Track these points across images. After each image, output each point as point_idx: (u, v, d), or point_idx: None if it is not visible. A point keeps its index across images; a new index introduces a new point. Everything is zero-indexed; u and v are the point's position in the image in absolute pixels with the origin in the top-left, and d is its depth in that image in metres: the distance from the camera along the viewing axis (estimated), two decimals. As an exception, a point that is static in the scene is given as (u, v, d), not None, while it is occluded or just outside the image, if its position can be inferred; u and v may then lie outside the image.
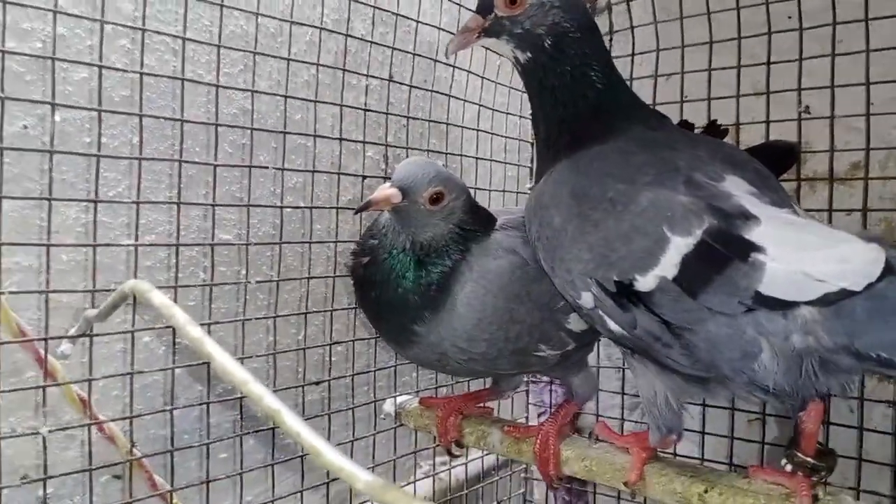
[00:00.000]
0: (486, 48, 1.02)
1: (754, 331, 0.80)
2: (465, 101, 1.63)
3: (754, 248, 0.78)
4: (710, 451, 1.48)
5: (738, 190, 0.85)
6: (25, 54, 1.03)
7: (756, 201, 0.84)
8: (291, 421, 0.65)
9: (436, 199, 1.00)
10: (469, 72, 1.63)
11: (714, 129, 1.24)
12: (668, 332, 0.84)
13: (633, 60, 1.59)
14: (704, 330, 0.81)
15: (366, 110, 1.43)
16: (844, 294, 0.75)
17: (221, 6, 1.19)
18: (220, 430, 1.24)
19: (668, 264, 0.81)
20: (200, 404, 1.19)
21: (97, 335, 1.06)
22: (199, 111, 1.22)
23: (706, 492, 0.92)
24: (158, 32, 1.16)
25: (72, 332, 1.04)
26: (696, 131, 1.23)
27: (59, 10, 1.03)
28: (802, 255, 0.78)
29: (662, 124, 1.03)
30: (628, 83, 1.54)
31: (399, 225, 1.02)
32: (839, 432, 1.30)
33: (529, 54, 0.97)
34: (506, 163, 1.76)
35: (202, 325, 1.16)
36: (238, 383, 0.68)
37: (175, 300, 1.14)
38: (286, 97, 1.30)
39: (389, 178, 1.01)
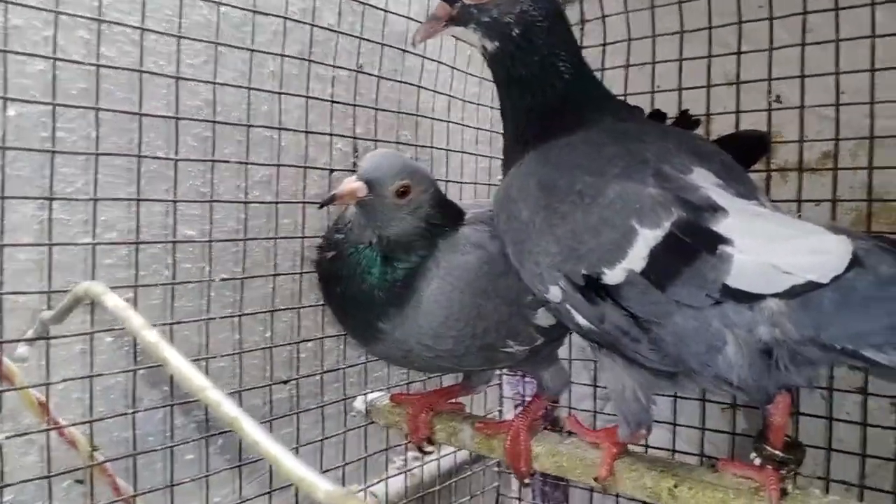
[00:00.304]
0: (455, 37, 1.00)
1: (720, 323, 0.79)
2: (435, 91, 1.61)
3: (722, 240, 0.78)
4: (681, 441, 1.48)
5: (705, 182, 0.85)
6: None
7: (723, 193, 0.84)
8: (250, 428, 0.63)
9: (402, 192, 0.98)
10: (439, 62, 1.61)
11: (686, 120, 1.24)
12: (636, 326, 0.83)
13: (604, 50, 1.58)
14: (671, 323, 0.81)
15: (333, 102, 1.40)
16: (812, 286, 0.74)
17: (181, -5, 1.16)
18: (185, 432, 1.21)
19: (637, 257, 0.81)
20: (164, 406, 1.17)
21: (54, 338, 1.03)
22: (160, 103, 1.19)
23: (676, 486, 0.92)
24: (116, 23, 1.12)
25: (28, 334, 1.01)
26: (667, 121, 1.23)
27: (12, 1, 0.99)
28: (770, 248, 0.77)
29: (631, 115, 1.03)
30: (600, 73, 1.55)
31: (365, 219, 0.99)
32: (808, 422, 1.31)
33: (497, 43, 0.95)
34: (478, 154, 1.74)
35: (165, 324, 1.15)
36: (195, 389, 0.65)
37: (136, 299, 1.12)
38: (250, 89, 1.27)
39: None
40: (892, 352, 0.73)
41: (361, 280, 0.99)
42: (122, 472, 1.11)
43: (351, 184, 0.95)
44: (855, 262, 0.74)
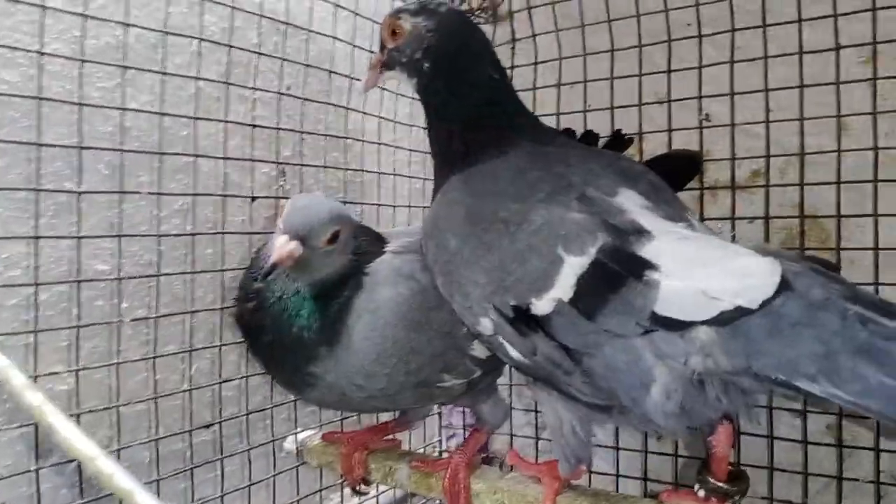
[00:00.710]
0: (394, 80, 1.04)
1: (651, 354, 0.76)
2: (364, 113, 1.56)
3: (648, 265, 0.75)
4: (623, 466, 1.46)
5: (631, 204, 0.83)
6: None
7: (650, 215, 0.82)
8: (146, 502, 0.56)
9: (333, 238, 0.95)
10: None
11: (618, 139, 1.23)
12: (568, 359, 0.80)
13: (536, 69, 1.57)
14: (602, 354, 0.78)
15: (253, 126, 1.33)
16: (741, 312, 0.72)
17: (84, 16, 1.08)
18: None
19: (564, 285, 0.78)
20: (70, 461, 1.07)
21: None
22: (67, 130, 1.10)
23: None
24: (11, 48, 1.04)
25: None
26: (600, 141, 1.21)
27: None
28: (697, 272, 0.75)
29: (553, 138, 1.01)
30: (532, 92, 1.54)
31: (295, 272, 0.95)
32: (749, 442, 1.30)
33: (415, 79, 0.99)
34: (411, 176, 1.70)
35: (72, 370, 1.06)
36: (83, 459, 0.59)
37: (36, 344, 1.04)
38: (161, 114, 1.19)
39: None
40: (824, 382, 0.70)
41: (290, 325, 0.95)
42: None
43: (285, 247, 0.90)
44: (784, 285, 0.71)
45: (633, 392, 0.78)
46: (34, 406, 0.61)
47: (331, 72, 1.48)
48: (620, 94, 1.45)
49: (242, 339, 1.02)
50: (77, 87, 1.12)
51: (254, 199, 1.32)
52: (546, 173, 0.87)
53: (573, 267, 0.78)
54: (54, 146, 1.08)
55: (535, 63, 1.57)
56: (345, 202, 1.46)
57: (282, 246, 0.90)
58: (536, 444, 1.58)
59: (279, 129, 1.38)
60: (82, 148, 1.10)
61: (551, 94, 1.54)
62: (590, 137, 1.21)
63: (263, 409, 1.34)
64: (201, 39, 1.24)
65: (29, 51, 1.05)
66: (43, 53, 1.06)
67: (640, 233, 0.78)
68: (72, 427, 0.59)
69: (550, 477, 0.96)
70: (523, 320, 0.81)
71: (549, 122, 1.28)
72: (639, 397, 0.78)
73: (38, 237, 1.05)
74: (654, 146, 1.38)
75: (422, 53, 0.96)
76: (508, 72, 1.19)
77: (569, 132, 1.21)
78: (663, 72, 1.41)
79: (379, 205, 1.58)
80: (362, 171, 1.58)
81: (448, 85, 0.96)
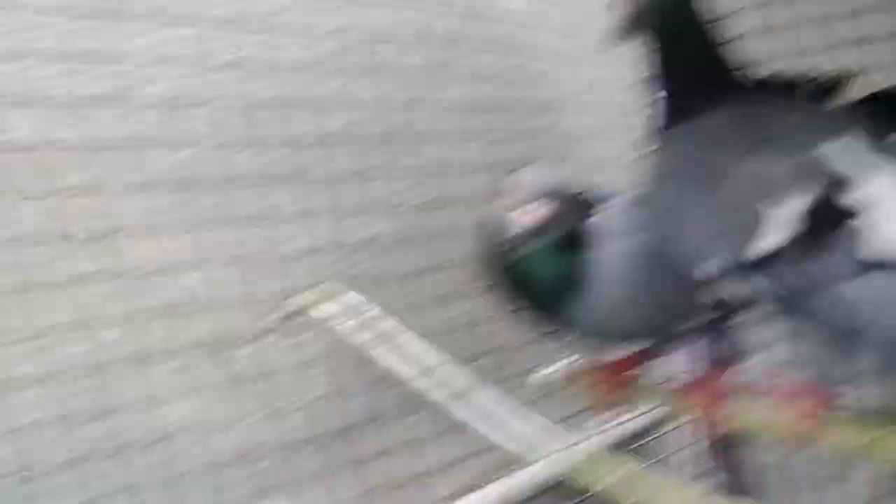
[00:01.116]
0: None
1: (870, 295, 0.80)
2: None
3: (858, 211, 0.80)
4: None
5: (838, 154, 0.86)
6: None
7: (860, 162, 0.85)
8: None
9: (564, 201, 1.11)
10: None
11: (834, 80, 1.24)
12: (791, 301, 0.86)
13: (740, 16, 1.58)
14: (820, 296, 0.83)
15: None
16: None
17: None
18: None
19: (777, 233, 0.84)
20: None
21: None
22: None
23: (882, 438, 0.95)
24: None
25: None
26: (816, 83, 1.23)
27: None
28: None
29: (762, 89, 1.06)
30: (739, 39, 1.56)
31: (538, 233, 1.10)
32: None
33: (642, 43, 1.05)
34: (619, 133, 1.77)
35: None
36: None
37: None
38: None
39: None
40: None
41: (543, 277, 1.10)
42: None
43: (528, 213, 1.09)
44: None
45: (850, 335, 0.82)
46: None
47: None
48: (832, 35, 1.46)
49: (501, 291, 1.18)
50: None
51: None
52: (753, 128, 0.94)
53: (783, 216, 0.83)
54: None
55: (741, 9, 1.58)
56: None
57: (526, 212, 1.07)
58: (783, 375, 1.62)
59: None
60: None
61: (755, 41, 1.55)
62: (803, 80, 1.24)
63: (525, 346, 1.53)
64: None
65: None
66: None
67: (848, 180, 0.82)
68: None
69: (807, 397, 1.00)
70: (743, 264, 0.88)
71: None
72: (855, 340, 0.82)
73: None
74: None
75: (642, 24, 1.03)
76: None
77: (780, 75, 1.25)
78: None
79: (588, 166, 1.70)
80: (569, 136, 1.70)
81: (663, 49, 1.03)
